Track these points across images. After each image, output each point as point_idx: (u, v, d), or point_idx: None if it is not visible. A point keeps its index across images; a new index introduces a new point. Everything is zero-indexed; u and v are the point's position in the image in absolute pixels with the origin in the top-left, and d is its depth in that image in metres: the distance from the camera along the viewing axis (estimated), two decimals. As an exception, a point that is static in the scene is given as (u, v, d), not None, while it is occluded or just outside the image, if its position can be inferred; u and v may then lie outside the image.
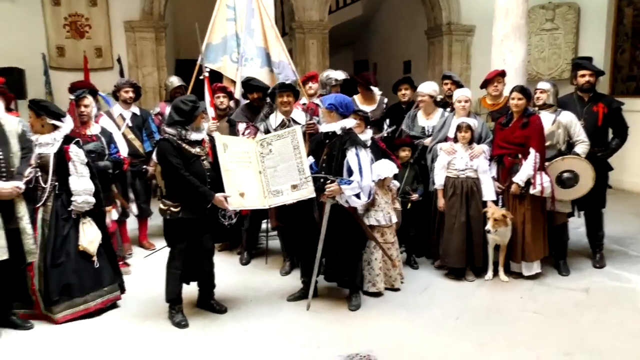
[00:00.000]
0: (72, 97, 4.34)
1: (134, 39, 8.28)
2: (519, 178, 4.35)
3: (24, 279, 3.72)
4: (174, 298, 3.76)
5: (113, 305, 3.99)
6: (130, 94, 5.27)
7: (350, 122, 3.88)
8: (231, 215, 3.78)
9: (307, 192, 3.77)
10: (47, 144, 3.72)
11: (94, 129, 4.47)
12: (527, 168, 4.32)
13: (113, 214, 4.69)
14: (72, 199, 3.75)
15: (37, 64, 7.53)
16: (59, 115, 3.81)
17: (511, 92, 4.50)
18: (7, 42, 7.56)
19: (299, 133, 3.86)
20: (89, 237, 3.83)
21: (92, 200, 3.84)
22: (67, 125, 3.87)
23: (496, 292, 4.31)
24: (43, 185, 3.70)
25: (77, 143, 3.82)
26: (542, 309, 3.98)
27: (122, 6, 8.15)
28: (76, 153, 3.78)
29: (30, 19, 7.74)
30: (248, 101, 5.14)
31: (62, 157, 3.74)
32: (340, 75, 5.51)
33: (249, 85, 5.04)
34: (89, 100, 4.40)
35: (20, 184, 3.44)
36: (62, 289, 3.72)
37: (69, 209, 3.77)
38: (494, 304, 4.08)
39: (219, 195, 3.57)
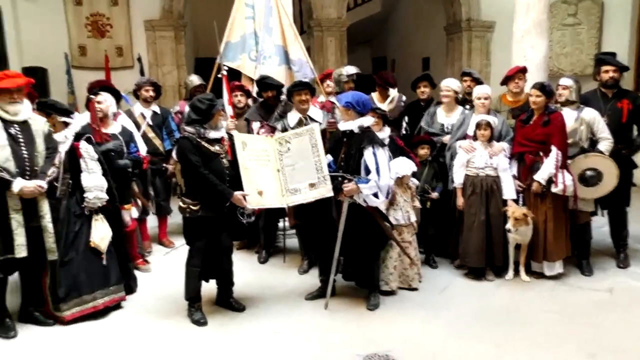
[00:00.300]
0: (92, 95, 4.39)
1: (154, 38, 8.36)
2: (541, 176, 4.28)
3: (40, 277, 3.76)
4: (193, 296, 3.79)
5: (117, 306, 3.97)
6: (151, 93, 5.33)
7: (368, 121, 3.86)
8: (250, 214, 3.79)
9: (325, 190, 3.76)
10: (60, 143, 3.77)
11: (113, 128, 4.51)
12: (548, 166, 4.25)
13: (133, 212, 4.74)
14: (84, 195, 3.78)
15: (60, 63, 7.64)
16: (67, 112, 3.90)
17: (530, 89, 4.43)
18: (30, 42, 7.70)
19: (317, 131, 3.86)
20: (101, 233, 3.85)
21: (104, 196, 3.86)
22: (77, 121, 3.93)
23: (517, 292, 4.25)
24: (55, 183, 3.73)
25: (87, 139, 3.86)
26: (564, 309, 3.91)
27: (143, 5, 8.23)
28: (86, 149, 3.82)
29: (52, 19, 7.86)
30: (262, 100, 5.15)
31: (73, 154, 3.79)
32: (350, 70, 5.47)
33: (264, 83, 5.04)
34: (102, 97, 4.43)
35: (43, 183, 3.49)
36: (70, 285, 3.73)
37: (82, 205, 3.80)
38: (515, 304, 4.02)
39: (237, 193, 3.59)
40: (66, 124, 3.86)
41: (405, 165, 4.20)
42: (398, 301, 4.10)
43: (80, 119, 4.13)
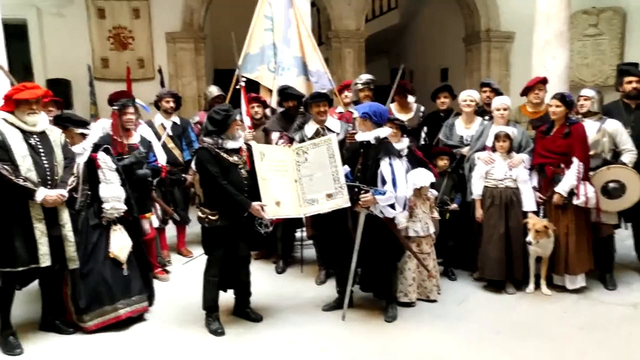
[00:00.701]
0: (116, 106, 4.46)
1: (174, 50, 8.48)
2: (562, 188, 4.22)
3: (60, 287, 3.79)
4: (210, 305, 3.80)
5: (140, 317, 3.95)
6: (171, 104, 5.40)
7: (385, 132, 3.85)
8: (267, 224, 3.80)
9: (342, 201, 3.76)
10: (78, 154, 3.82)
11: (133, 138, 4.58)
12: (570, 178, 4.19)
13: (153, 221, 4.79)
14: (102, 206, 3.81)
15: (83, 75, 7.79)
16: (84, 124, 3.95)
17: (550, 99, 4.38)
18: (55, 54, 7.89)
19: (334, 141, 3.86)
20: (119, 243, 3.85)
21: (122, 207, 3.87)
22: (94, 132, 3.99)
23: (538, 306, 4.17)
24: (74, 195, 3.75)
25: (105, 150, 3.90)
26: (587, 324, 3.83)
27: (164, 18, 8.37)
28: (104, 160, 3.84)
29: (76, 32, 8.03)
30: (283, 110, 5.18)
31: (91, 165, 3.82)
32: (365, 77, 5.43)
33: (285, 93, 5.07)
34: (132, 109, 4.53)
35: (64, 192, 3.54)
36: (91, 296, 3.73)
37: (100, 216, 3.82)
38: (536, 318, 3.95)
39: (255, 203, 3.60)
40: (84, 136, 3.92)
41: (423, 177, 4.18)
42: (416, 313, 4.06)
43: (96, 130, 4.18)
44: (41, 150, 3.52)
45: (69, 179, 3.63)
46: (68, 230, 3.59)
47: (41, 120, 3.57)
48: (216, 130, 3.66)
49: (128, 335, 3.76)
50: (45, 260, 3.46)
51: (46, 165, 3.52)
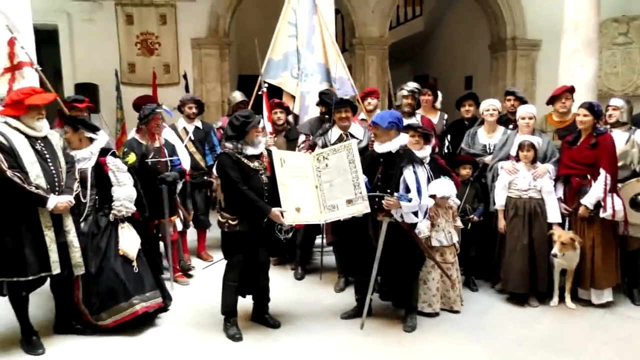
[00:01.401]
0: (147, 111, 4.52)
1: (199, 56, 8.59)
2: (588, 200, 4.12)
3: (72, 292, 3.78)
4: (229, 310, 3.80)
5: (160, 310, 3.98)
6: (194, 110, 5.46)
7: (405, 139, 3.84)
8: (287, 230, 3.80)
9: (363, 207, 3.73)
10: (85, 159, 3.81)
11: (159, 142, 4.65)
12: (596, 190, 4.09)
13: (177, 224, 4.83)
14: (113, 204, 3.83)
15: (110, 79, 7.93)
16: (95, 128, 3.93)
17: (578, 108, 4.29)
18: (83, 59, 8.07)
19: (354, 147, 3.84)
20: (128, 241, 3.87)
21: (131, 206, 3.89)
22: (101, 137, 4.00)
23: (562, 320, 4.07)
24: (82, 200, 3.74)
25: (113, 154, 3.93)
26: (613, 340, 3.72)
27: (190, 24, 8.48)
28: (114, 163, 3.87)
29: (106, 38, 8.20)
30: (320, 114, 5.15)
31: (99, 170, 3.83)
32: (411, 85, 5.34)
33: (320, 98, 5.07)
34: (160, 115, 4.60)
35: (72, 199, 3.50)
36: (106, 294, 3.73)
37: (109, 212, 3.83)
38: (560, 333, 3.85)
39: (275, 209, 3.60)
40: (91, 140, 3.89)
41: (448, 187, 4.13)
42: (437, 323, 4.00)
43: (104, 135, 4.20)
44: (47, 155, 3.47)
45: (73, 184, 3.58)
46: (73, 236, 3.54)
47: (46, 125, 3.53)
48: (235, 136, 3.68)
49: (146, 338, 3.78)
50: (56, 268, 3.41)
51: (53, 171, 3.46)
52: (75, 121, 3.91)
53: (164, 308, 4.05)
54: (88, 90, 7.39)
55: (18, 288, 3.46)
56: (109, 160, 3.87)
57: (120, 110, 7.83)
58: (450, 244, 4.19)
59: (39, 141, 3.47)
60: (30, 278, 3.36)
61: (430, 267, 4.09)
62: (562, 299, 4.31)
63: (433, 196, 4.00)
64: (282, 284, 4.76)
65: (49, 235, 3.39)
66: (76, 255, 3.55)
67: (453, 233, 4.22)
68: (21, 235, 3.32)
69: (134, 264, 3.87)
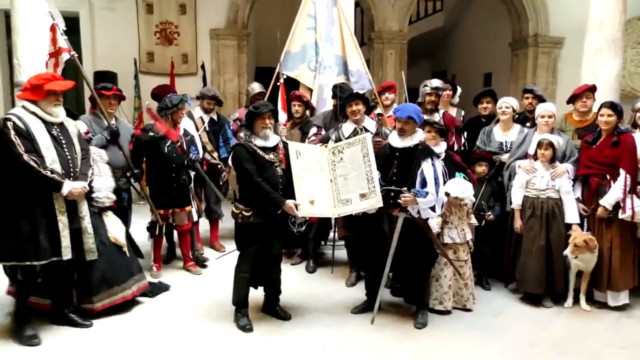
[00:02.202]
0: (176, 101, 4.57)
1: (217, 47, 8.58)
2: (607, 201, 4.05)
3: (72, 276, 3.78)
4: (240, 301, 3.82)
5: (140, 297, 4.13)
6: (212, 106, 5.54)
7: (422, 134, 3.81)
8: (300, 223, 3.79)
9: (375, 201, 3.70)
10: None
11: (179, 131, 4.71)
12: (616, 190, 4.02)
13: (193, 214, 4.86)
14: (94, 195, 3.87)
15: (129, 68, 7.97)
16: (74, 117, 4.00)
17: (600, 108, 4.21)
18: (103, 47, 8.11)
19: (368, 140, 3.81)
20: (116, 228, 4.00)
21: (113, 196, 4.04)
22: (81, 126, 4.07)
23: (577, 322, 4.02)
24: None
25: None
26: (629, 344, 3.66)
27: (209, 15, 8.48)
28: (99, 154, 4.01)
29: (125, 26, 8.23)
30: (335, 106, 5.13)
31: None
32: (435, 82, 5.32)
33: (333, 91, 5.04)
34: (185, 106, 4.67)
35: (86, 184, 3.54)
36: (100, 279, 3.83)
37: (92, 204, 3.84)
38: (574, 335, 3.80)
39: (289, 201, 3.60)
40: None
41: (465, 189, 4.08)
42: (449, 321, 3.97)
43: (82, 125, 4.24)
44: (63, 141, 3.48)
45: (88, 170, 3.62)
46: (88, 223, 3.58)
47: (62, 112, 3.55)
48: (246, 126, 3.73)
49: (156, 327, 3.81)
50: (67, 253, 3.43)
51: (68, 157, 3.48)
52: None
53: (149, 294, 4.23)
54: (107, 79, 7.43)
55: (33, 274, 3.48)
56: (94, 150, 3.95)
57: (138, 99, 7.87)
58: (463, 242, 4.15)
59: (55, 127, 3.49)
60: (44, 262, 3.38)
61: (443, 265, 4.07)
62: (576, 301, 4.25)
63: (447, 194, 3.97)
64: (293, 276, 4.76)
65: (62, 221, 3.41)
66: (90, 241, 3.60)
67: (467, 231, 4.18)
68: (36, 219, 3.34)
69: (125, 249, 4.02)
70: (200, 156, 4.90)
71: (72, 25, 7.95)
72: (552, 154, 4.23)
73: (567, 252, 4.02)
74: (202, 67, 8.19)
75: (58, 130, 3.50)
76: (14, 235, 3.32)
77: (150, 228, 4.80)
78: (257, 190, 3.61)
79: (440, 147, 4.23)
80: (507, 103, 4.78)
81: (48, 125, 3.44)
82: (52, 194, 3.38)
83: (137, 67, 8.04)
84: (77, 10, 8.05)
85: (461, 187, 4.08)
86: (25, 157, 3.26)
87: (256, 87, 6.23)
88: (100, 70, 7.84)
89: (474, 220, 4.29)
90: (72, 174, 3.48)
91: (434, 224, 3.95)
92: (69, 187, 3.39)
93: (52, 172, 3.35)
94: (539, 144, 4.26)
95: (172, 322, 3.89)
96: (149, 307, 4.12)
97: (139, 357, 3.37)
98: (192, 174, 4.82)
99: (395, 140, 3.79)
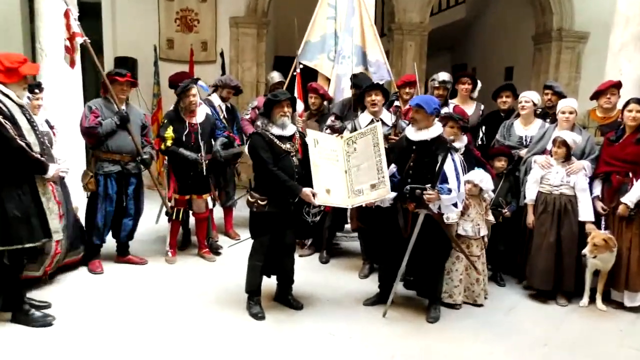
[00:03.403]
0: (180, 87, 4.58)
1: (237, 35, 8.58)
2: (629, 199, 3.98)
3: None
4: (253, 290, 3.84)
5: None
6: (231, 95, 5.58)
7: (440, 128, 3.77)
8: (315, 213, 3.79)
9: (384, 191, 3.66)
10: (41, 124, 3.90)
11: (199, 117, 4.73)
12: (638, 188, 3.94)
13: (209, 202, 4.88)
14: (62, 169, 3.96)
15: (149, 54, 8.02)
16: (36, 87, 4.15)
17: (627, 104, 4.13)
18: (125, 33, 8.16)
19: (379, 130, 3.78)
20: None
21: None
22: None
23: (591, 322, 3.97)
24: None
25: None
26: (644, 346, 3.61)
27: (229, 2, 8.47)
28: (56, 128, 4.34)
29: (146, 13, 8.27)
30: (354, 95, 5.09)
31: None
32: (443, 76, 5.22)
33: (352, 81, 5.01)
34: (195, 89, 4.64)
35: (60, 167, 3.71)
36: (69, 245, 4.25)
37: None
38: (588, 335, 3.75)
39: (306, 189, 3.59)
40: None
41: (486, 180, 4.05)
42: (461, 317, 3.95)
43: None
44: (35, 124, 3.48)
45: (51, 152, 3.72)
46: (53, 204, 3.56)
47: (25, 94, 3.57)
48: (264, 113, 3.74)
49: (168, 313, 3.84)
50: (58, 235, 3.52)
51: (41, 139, 3.49)
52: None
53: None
54: (127, 65, 7.49)
55: (20, 255, 3.45)
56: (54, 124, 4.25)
57: (157, 85, 7.92)
58: (477, 237, 4.11)
59: (25, 109, 3.46)
60: (38, 244, 3.40)
61: (455, 258, 4.04)
62: (592, 300, 4.19)
63: (468, 181, 3.93)
64: (306, 266, 4.77)
65: (45, 203, 3.42)
66: (55, 221, 3.53)
67: (482, 226, 4.14)
68: (25, 202, 3.31)
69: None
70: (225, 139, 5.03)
71: (94, 11, 8.02)
72: (565, 152, 4.16)
73: (585, 251, 3.97)
74: (221, 55, 8.20)
75: (28, 113, 3.48)
76: (3, 220, 3.25)
77: (169, 213, 4.83)
78: (273, 179, 3.61)
79: (461, 142, 4.18)
80: (527, 97, 4.72)
81: (23, 108, 3.43)
82: (34, 177, 3.38)
83: (157, 54, 8.08)
84: (99, -4, 8.12)
85: (480, 176, 4.04)
86: (19, 140, 3.24)
87: (276, 76, 6.22)
88: (121, 56, 7.90)
89: (491, 218, 4.25)
90: (45, 156, 3.47)
91: (454, 214, 3.91)
92: (54, 169, 3.47)
93: (39, 154, 3.36)
94: (553, 141, 4.20)
95: (184, 308, 3.92)
96: (161, 292, 4.17)
97: (151, 343, 3.40)
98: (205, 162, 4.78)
99: (412, 133, 3.76)
